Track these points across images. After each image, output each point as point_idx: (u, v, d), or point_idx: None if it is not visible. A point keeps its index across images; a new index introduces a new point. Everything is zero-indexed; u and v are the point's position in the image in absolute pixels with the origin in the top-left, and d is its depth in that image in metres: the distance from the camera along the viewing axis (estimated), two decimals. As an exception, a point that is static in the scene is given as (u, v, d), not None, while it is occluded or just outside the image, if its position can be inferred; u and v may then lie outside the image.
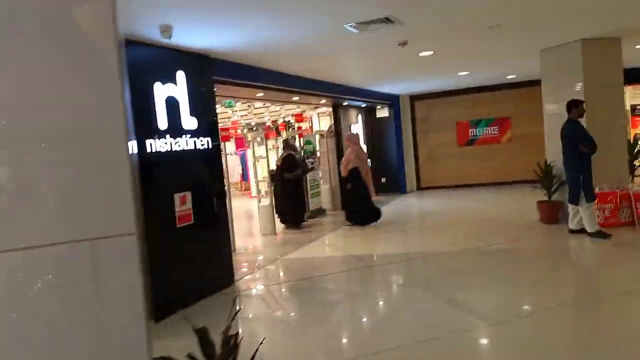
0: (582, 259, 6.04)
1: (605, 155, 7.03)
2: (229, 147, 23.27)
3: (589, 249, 6.14)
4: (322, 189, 10.82)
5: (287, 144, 9.37)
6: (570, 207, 6.59)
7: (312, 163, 10.42)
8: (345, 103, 10.68)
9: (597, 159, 6.98)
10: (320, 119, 16.06)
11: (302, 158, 9.46)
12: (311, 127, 16.26)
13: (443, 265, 5.79)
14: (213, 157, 5.32)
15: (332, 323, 4.25)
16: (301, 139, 10.00)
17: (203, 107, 5.24)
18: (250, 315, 4.68)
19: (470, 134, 12.92)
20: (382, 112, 13.02)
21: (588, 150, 6.25)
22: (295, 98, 8.61)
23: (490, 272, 5.27)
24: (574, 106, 6.38)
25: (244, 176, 17.32)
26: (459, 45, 6.62)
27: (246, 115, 14.90)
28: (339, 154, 10.88)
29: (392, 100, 12.62)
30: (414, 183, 13.32)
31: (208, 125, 5.28)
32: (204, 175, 5.25)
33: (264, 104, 12.12)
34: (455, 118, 12.98)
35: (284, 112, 15.44)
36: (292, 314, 4.54)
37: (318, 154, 11.01)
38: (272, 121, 19.45)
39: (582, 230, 6.45)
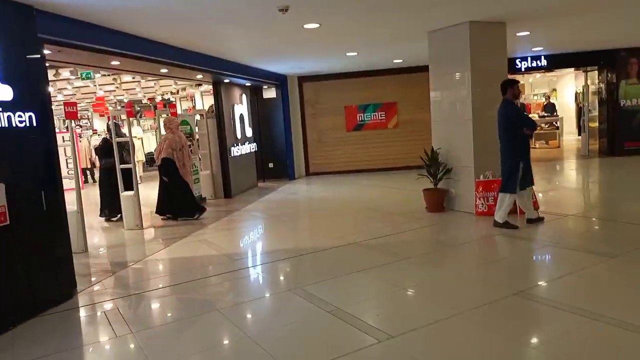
0: (475, 253, 5.84)
1: (488, 142, 6.98)
2: (97, 125, 20.91)
3: (479, 241, 5.98)
4: (202, 175, 9.78)
5: (110, 127, 7.77)
6: (501, 196, 6.04)
7: (189, 146, 9.31)
8: (227, 80, 9.68)
9: (480, 146, 6.92)
10: (204, 98, 14.82)
11: (121, 143, 7.47)
12: (194, 107, 14.96)
13: (327, 263, 5.20)
14: (39, 137, 4.11)
15: (189, 349, 3.41)
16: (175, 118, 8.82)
17: (24, 72, 4.00)
18: (82, 343, 3.66)
19: (358, 119, 12.65)
20: (269, 93, 12.21)
21: (531, 132, 6.07)
22: (164, 70, 7.44)
23: (377, 271, 4.78)
24: (509, 86, 5.96)
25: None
26: (345, 20, 6.03)
27: (114, 90, 13.18)
28: (221, 135, 9.90)
29: (279, 81, 11.86)
30: (302, 169, 12.77)
31: (32, 97, 4.05)
32: (25, 161, 4.03)
33: (133, 78, 10.67)
34: (343, 102, 12.60)
35: (161, 89, 13.97)
36: (132, 344, 3.60)
37: (197, 136, 9.92)
38: (149, 99, 17.73)
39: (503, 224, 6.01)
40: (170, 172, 7.67)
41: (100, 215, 8.23)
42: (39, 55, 4.20)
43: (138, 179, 8.71)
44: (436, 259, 5.18)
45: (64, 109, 5.86)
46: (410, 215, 7.19)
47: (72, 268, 4.47)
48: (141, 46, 6.05)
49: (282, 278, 4.96)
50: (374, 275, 4.65)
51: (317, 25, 6.11)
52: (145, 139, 16.65)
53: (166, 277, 5.14)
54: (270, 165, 12.27)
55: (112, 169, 7.61)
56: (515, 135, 5.85)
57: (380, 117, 12.61)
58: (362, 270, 4.74)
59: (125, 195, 7.38)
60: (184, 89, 14.47)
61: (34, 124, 4.03)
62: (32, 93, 4.08)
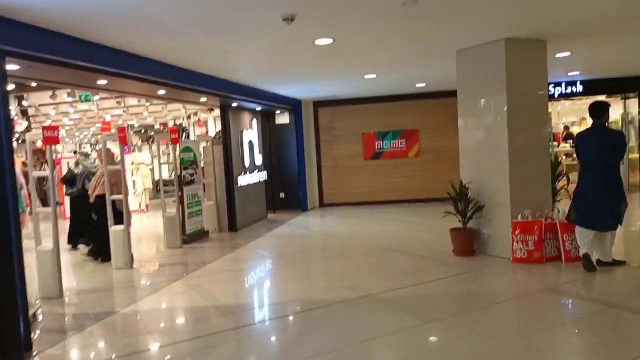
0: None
1: (526, 176, 6.05)
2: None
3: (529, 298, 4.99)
4: (205, 206, 8.99)
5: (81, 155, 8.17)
6: (598, 235, 5.32)
7: (192, 175, 8.56)
8: (235, 104, 8.97)
9: (518, 180, 5.99)
10: (216, 123, 14.18)
11: (85, 172, 7.47)
12: (206, 132, 14.33)
13: (333, 326, 4.27)
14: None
15: None
16: (176, 145, 8.09)
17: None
18: None
19: (376, 146, 11.80)
20: (282, 118, 11.48)
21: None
22: (161, 92, 6.73)
23: (395, 340, 3.84)
24: (606, 109, 5.32)
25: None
26: (361, 35, 5.25)
27: (121, 115, 12.64)
28: (228, 163, 9.14)
29: (293, 105, 11.13)
30: (316, 199, 11.90)
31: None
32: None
33: (139, 101, 10.07)
34: (361, 128, 11.80)
35: (171, 113, 13.39)
36: None
37: (202, 163, 9.18)
38: (162, 124, 17.22)
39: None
40: (102, 210, 6.69)
41: (68, 243, 7.95)
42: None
43: (144, 207, 8.05)
44: (470, 323, 4.19)
45: (42, 133, 5.15)
46: (434, 259, 6.23)
47: (17, 329, 3.61)
48: (129, 64, 5.34)
49: (271, 347, 4.03)
50: (390, 345, 3.70)
51: (330, 40, 5.33)
52: (156, 165, 16.06)
53: (136, 337, 4.25)
54: (282, 195, 11.44)
55: (78, 197, 7.51)
56: (617, 163, 5.37)
57: (400, 145, 11.74)
58: (376, 339, 3.80)
59: (114, 230, 6.60)
60: (195, 113, 13.89)
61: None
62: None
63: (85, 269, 6.80)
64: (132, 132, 18.30)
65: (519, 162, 5.96)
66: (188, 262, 6.95)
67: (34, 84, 6.50)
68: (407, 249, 6.95)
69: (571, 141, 15.14)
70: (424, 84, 9.95)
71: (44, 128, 5.11)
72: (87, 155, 8.15)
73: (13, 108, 9.18)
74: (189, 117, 14.27)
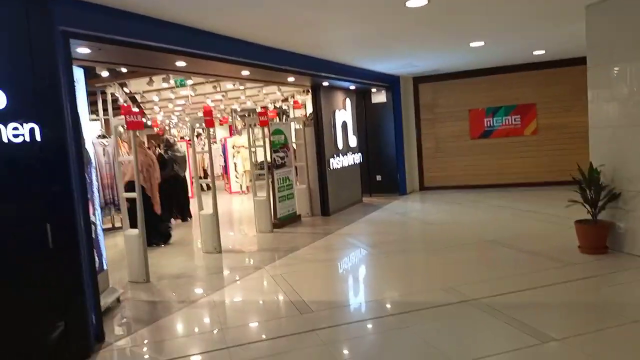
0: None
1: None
2: (220, 133, 21.29)
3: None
4: (297, 189, 8.69)
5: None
6: None
7: (283, 158, 8.27)
8: (326, 83, 8.46)
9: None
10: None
11: (172, 158, 8.47)
12: (305, 114, 14.11)
13: (420, 340, 3.60)
14: (44, 157, 3.19)
15: None
16: (264, 127, 7.84)
17: (26, 69, 3.13)
18: None
19: (486, 124, 10.60)
20: (379, 97, 10.76)
21: None
22: (245, 72, 6.42)
23: None
24: None
25: (225, 169, 15.19)
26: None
27: (221, 100, 12.80)
28: (320, 145, 8.72)
29: (390, 82, 10.35)
30: (415, 182, 11.08)
31: (34, 103, 3.16)
32: (22, 188, 3.16)
33: (234, 85, 10.00)
34: (468, 105, 10.66)
35: (269, 96, 13.29)
36: None
37: (294, 146, 8.87)
38: (263, 107, 17.35)
39: None
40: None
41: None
42: (53, 48, 3.29)
43: (244, 189, 8.08)
44: (601, 345, 3.28)
45: (125, 119, 5.09)
46: (555, 258, 5.22)
47: (85, 317, 3.49)
48: (205, 43, 5.05)
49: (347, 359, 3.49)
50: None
51: (425, 1, 4.54)
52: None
53: (203, 334, 3.97)
54: (378, 178, 10.79)
55: (166, 180, 7.83)
56: None
57: (514, 122, 10.42)
58: (479, 360, 3.09)
59: (203, 214, 6.52)
60: (292, 95, 13.68)
61: (35, 139, 3.12)
62: (32, 97, 3.17)
63: (175, 252, 6.83)
64: (236, 116, 18.85)
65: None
66: (277, 248, 6.67)
67: (124, 70, 6.56)
68: (520, 243, 5.96)
69: None
70: (543, 52, 8.57)
71: (125, 113, 5.04)
72: (171, 144, 8.66)
73: (120, 95, 9.59)
74: (285, 99, 14.11)
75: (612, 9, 5.00)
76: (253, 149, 8.10)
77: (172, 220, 8.68)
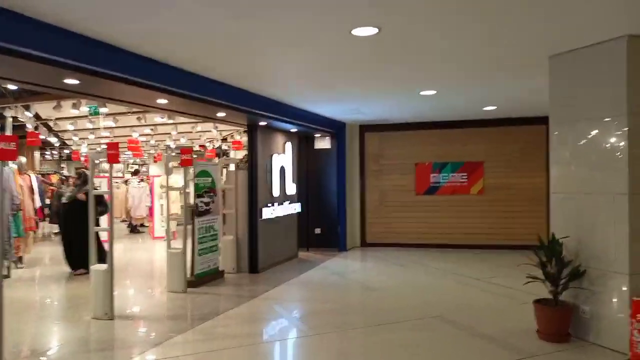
0: None
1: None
2: (153, 170, 19.76)
3: None
4: (223, 241, 7.58)
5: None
6: None
7: (208, 204, 7.20)
8: (264, 123, 7.60)
9: (645, 242, 4.12)
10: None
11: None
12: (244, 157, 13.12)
13: None
14: None
15: None
16: (189, 168, 6.78)
17: None
18: None
19: (432, 180, 10.05)
20: (323, 143, 10.02)
21: None
22: (162, 101, 5.42)
23: None
24: None
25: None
26: (416, 23, 3.71)
27: (151, 134, 11.65)
28: (253, 191, 7.73)
29: (335, 129, 9.66)
30: (357, 237, 10.25)
31: None
32: None
33: (162, 118, 8.94)
34: (415, 158, 10.12)
35: (199, 134, 12.24)
36: None
37: (223, 191, 7.82)
38: (201, 146, 16.23)
39: None
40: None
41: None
42: None
43: (169, 234, 6.86)
44: None
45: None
46: (512, 346, 4.39)
47: None
48: (104, 58, 4.05)
49: None
50: None
51: (375, 30, 3.81)
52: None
53: None
54: (317, 231, 9.88)
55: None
56: None
57: (461, 180, 9.93)
58: None
59: (95, 270, 5.27)
60: (231, 135, 12.74)
61: None
62: None
63: (54, 317, 5.48)
64: (169, 154, 17.55)
65: (644, 214, 4.11)
66: (184, 316, 5.50)
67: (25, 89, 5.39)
68: (469, 321, 5.13)
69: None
70: (494, 107, 8.18)
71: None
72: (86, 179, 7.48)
73: (24, 118, 8.26)
74: (224, 139, 13.15)
75: (579, 60, 4.48)
76: (188, 190, 6.96)
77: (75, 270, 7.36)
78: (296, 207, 9.06)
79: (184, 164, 6.66)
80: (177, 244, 6.84)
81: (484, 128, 9.69)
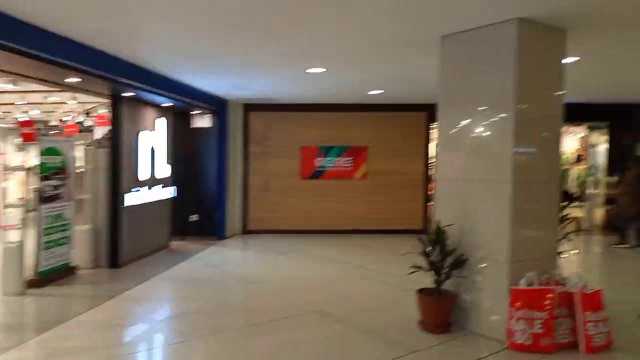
0: None
1: (534, 220, 4.22)
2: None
3: None
4: (78, 231, 6.46)
5: None
6: None
7: (57, 188, 6.04)
8: (129, 94, 6.59)
9: (523, 227, 4.12)
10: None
11: None
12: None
13: None
14: None
15: None
16: (31, 145, 5.58)
17: None
18: None
19: (317, 164, 9.74)
20: (202, 121, 9.15)
21: None
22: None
23: None
24: None
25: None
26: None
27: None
28: (115, 174, 6.70)
29: (217, 106, 8.85)
30: (238, 224, 9.61)
31: None
32: None
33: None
34: (301, 141, 9.71)
35: (54, 106, 10.54)
36: None
37: (77, 172, 6.65)
38: (62, 121, 14.22)
39: None
40: None
41: None
42: None
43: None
44: None
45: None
46: (393, 340, 4.17)
47: None
48: None
49: None
50: None
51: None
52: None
53: None
54: (194, 217, 9.04)
55: None
56: None
57: (346, 164, 9.76)
58: None
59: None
60: (94, 108, 11.18)
61: None
62: None
63: None
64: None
65: (527, 201, 4.09)
66: (18, 325, 4.47)
67: None
68: (350, 314, 4.82)
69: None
70: (381, 91, 8.02)
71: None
72: None
73: None
74: (87, 113, 11.54)
75: (470, 42, 4.31)
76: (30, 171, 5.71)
77: None
78: (170, 192, 8.15)
79: (26, 139, 5.46)
80: (17, 236, 5.63)
81: (370, 112, 9.59)
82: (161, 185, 7.82)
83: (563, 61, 4.33)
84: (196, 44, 5.05)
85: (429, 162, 9.51)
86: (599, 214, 10.57)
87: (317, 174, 9.72)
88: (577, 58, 5.22)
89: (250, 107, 9.61)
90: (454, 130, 4.48)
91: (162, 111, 7.93)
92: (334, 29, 4.34)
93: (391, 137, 9.68)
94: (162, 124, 7.87)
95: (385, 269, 6.66)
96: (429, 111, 9.12)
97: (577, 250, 7.63)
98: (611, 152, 10.06)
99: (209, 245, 8.32)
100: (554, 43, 4.21)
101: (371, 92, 8.15)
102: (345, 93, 8.27)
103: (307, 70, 6.20)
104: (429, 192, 9.15)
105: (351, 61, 5.78)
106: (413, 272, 4.38)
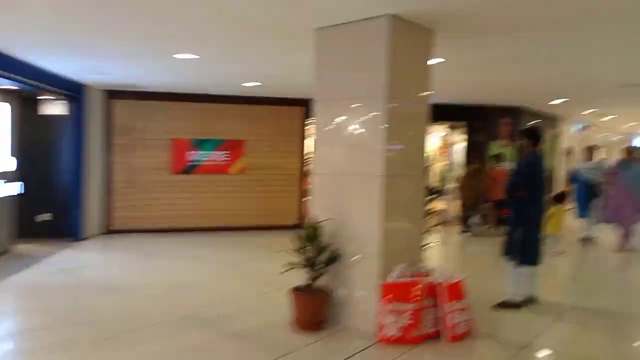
0: None
1: (404, 212, 4.33)
2: None
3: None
4: None
5: None
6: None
7: None
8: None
9: (394, 220, 4.19)
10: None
11: None
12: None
13: None
14: None
15: None
16: None
17: None
18: None
19: (189, 158, 9.19)
20: (54, 108, 8.06)
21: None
22: None
23: None
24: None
25: None
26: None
27: None
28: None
29: (72, 91, 7.83)
30: (99, 223, 8.68)
31: None
32: None
33: None
34: (171, 133, 9.07)
35: None
36: None
37: None
38: None
39: None
40: None
41: None
42: None
43: None
44: None
45: None
46: (265, 342, 3.99)
47: None
48: None
49: None
50: None
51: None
52: None
53: None
54: (45, 217, 7.94)
55: None
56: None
57: (221, 159, 9.35)
58: None
59: None
60: None
61: None
62: None
63: None
64: None
65: (397, 194, 4.17)
66: None
67: None
68: (221, 318, 4.54)
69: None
70: (257, 84, 7.77)
71: None
72: None
73: None
74: None
75: (343, 37, 4.27)
76: None
77: None
78: (13, 188, 7.03)
79: None
80: None
81: (247, 105, 9.29)
82: (3, 180, 6.71)
83: (429, 62, 4.50)
84: (34, 18, 4.32)
85: (305, 157, 9.53)
86: (456, 206, 11.56)
87: (190, 169, 9.18)
88: (443, 59, 5.50)
89: (114, 95, 8.72)
90: (330, 126, 4.41)
91: (3, 95, 6.79)
92: (205, 11, 3.99)
93: (268, 132, 9.50)
94: (3, 110, 6.74)
95: (259, 266, 6.46)
96: (305, 106, 9.12)
97: (439, 241, 8.17)
98: (468, 150, 11.01)
99: (62, 249, 7.35)
100: (423, 42, 4.35)
101: (246, 84, 7.87)
102: (219, 84, 7.88)
103: (175, 56, 5.72)
104: (305, 187, 9.15)
105: (224, 50, 5.46)
106: (288, 270, 4.24)
